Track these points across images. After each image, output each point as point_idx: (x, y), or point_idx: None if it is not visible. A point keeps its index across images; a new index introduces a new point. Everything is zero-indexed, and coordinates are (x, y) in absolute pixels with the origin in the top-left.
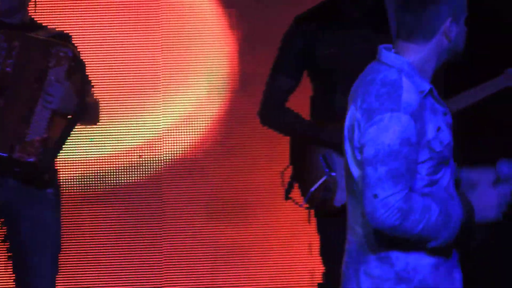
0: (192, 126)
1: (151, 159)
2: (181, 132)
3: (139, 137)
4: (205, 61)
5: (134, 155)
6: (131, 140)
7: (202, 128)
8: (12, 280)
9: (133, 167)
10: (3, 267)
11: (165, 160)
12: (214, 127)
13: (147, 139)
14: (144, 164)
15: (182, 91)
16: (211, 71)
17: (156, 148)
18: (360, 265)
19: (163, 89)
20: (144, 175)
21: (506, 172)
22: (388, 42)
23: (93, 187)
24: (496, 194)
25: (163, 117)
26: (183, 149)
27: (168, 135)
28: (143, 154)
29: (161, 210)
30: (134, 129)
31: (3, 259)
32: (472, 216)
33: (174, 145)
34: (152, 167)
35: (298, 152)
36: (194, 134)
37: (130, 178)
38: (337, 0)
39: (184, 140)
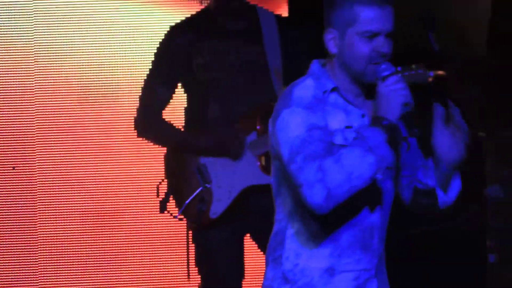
0: (66, 134)
1: (25, 167)
2: (56, 140)
3: (12, 146)
4: (79, 69)
5: (7, 165)
6: (3, 148)
7: (77, 137)
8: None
9: (7, 176)
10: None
11: (39, 168)
12: (89, 136)
13: (20, 149)
14: (18, 173)
15: (56, 100)
16: (85, 80)
17: (30, 156)
18: (265, 268)
19: (36, 96)
20: (17, 185)
21: (384, 67)
22: (263, 54)
23: None
24: (384, 87)
25: (37, 125)
26: (57, 157)
27: (42, 143)
28: (16, 164)
29: (35, 218)
30: (6, 138)
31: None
32: (383, 118)
33: (48, 153)
34: (26, 176)
35: (173, 164)
36: (69, 142)
37: (4, 186)
38: (215, 11)
39: (59, 147)
